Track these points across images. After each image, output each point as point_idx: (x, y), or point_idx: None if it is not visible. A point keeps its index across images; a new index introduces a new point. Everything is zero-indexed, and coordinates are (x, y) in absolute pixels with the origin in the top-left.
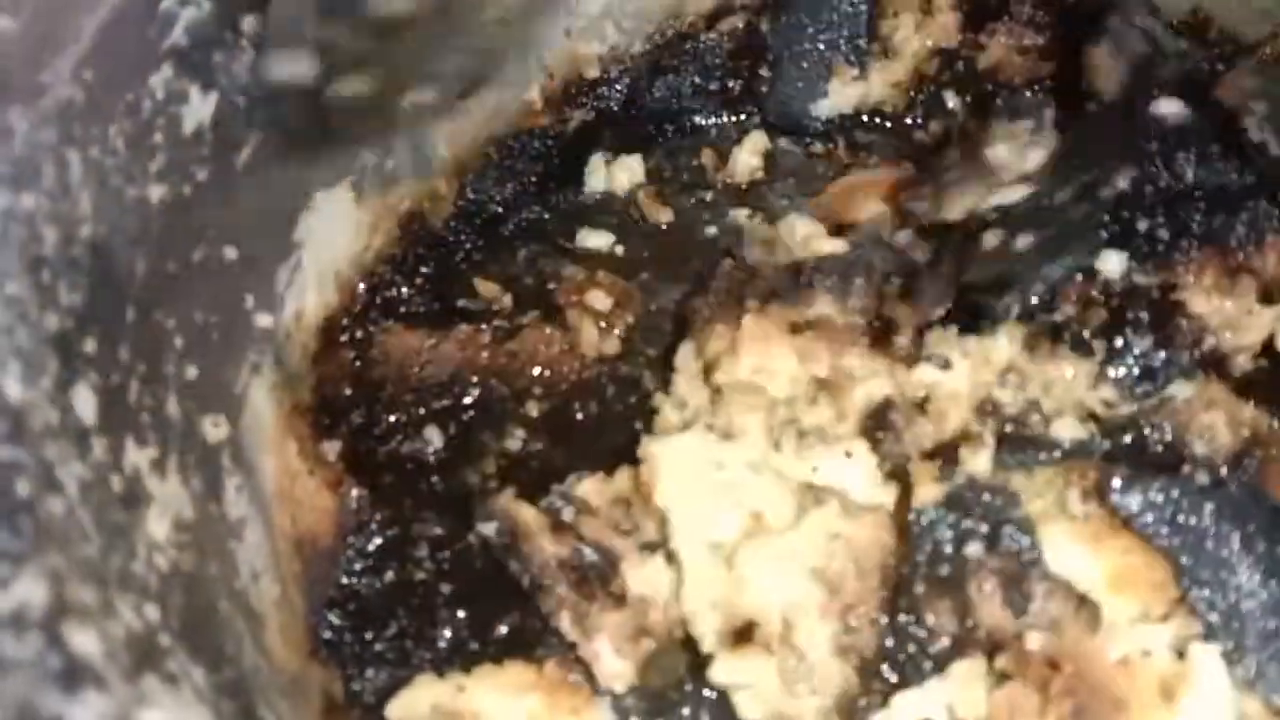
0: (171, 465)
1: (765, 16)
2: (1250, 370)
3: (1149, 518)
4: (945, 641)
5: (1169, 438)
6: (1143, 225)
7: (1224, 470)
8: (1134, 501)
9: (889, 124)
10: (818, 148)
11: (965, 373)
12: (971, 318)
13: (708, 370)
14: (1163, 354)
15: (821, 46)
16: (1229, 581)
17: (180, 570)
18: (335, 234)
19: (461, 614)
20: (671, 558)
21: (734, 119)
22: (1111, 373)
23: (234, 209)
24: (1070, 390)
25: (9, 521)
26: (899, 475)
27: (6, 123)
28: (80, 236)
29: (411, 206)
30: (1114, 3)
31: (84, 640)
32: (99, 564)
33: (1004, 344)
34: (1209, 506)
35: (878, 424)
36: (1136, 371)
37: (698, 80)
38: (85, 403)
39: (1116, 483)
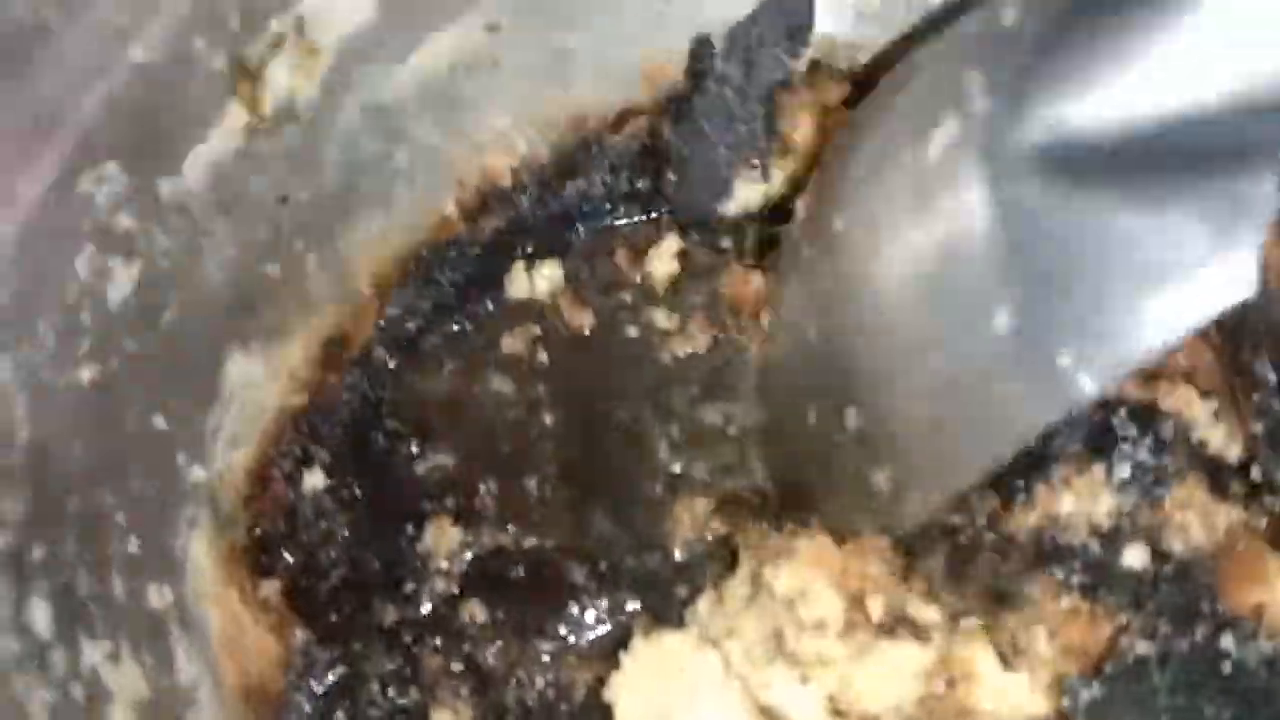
0: (124, 650)
1: (667, 120)
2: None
3: None
4: None
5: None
6: None
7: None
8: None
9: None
10: (727, 244)
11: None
12: None
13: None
14: (1162, 458)
15: (722, 150)
16: None
17: None
18: (260, 375)
19: None
20: None
21: (645, 217)
22: (1116, 484)
23: (161, 373)
24: (1081, 508)
25: None
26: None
27: None
28: (18, 443)
29: (333, 332)
30: None
31: None
32: None
33: None
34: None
35: None
36: (1149, 479)
37: (607, 180)
38: (40, 615)
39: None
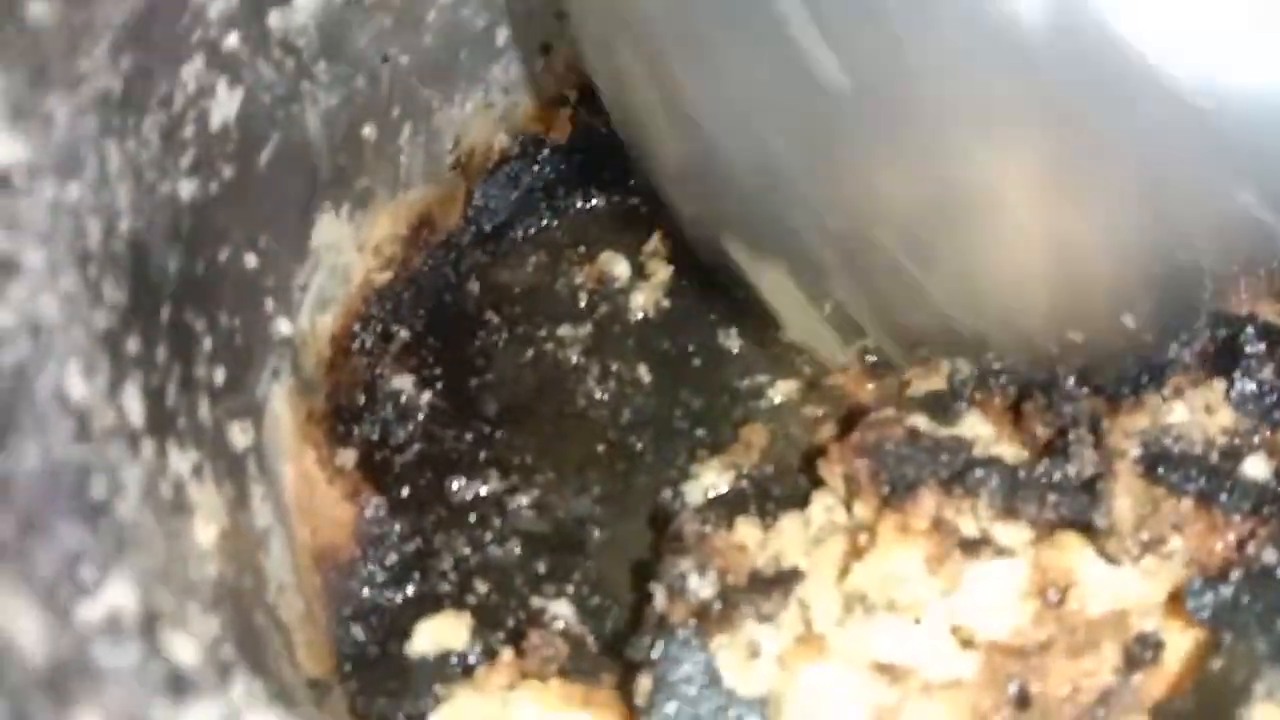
0: (207, 472)
1: None
2: None
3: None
4: None
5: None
6: None
7: None
8: None
9: None
10: None
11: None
12: None
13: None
14: None
15: None
16: None
17: (225, 581)
18: (348, 242)
19: None
20: None
21: None
22: (1235, 400)
23: (255, 210)
24: (1196, 420)
25: (89, 523)
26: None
27: (48, 111)
28: (120, 231)
29: (422, 211)
30: None
31: (182, 646)
32: (167, 571)
33: None
34: None
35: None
36: (1272, 399)
37: None
38: (133, 404)
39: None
